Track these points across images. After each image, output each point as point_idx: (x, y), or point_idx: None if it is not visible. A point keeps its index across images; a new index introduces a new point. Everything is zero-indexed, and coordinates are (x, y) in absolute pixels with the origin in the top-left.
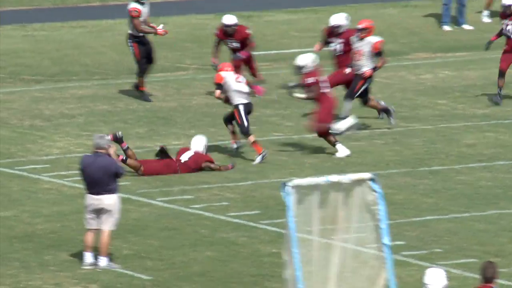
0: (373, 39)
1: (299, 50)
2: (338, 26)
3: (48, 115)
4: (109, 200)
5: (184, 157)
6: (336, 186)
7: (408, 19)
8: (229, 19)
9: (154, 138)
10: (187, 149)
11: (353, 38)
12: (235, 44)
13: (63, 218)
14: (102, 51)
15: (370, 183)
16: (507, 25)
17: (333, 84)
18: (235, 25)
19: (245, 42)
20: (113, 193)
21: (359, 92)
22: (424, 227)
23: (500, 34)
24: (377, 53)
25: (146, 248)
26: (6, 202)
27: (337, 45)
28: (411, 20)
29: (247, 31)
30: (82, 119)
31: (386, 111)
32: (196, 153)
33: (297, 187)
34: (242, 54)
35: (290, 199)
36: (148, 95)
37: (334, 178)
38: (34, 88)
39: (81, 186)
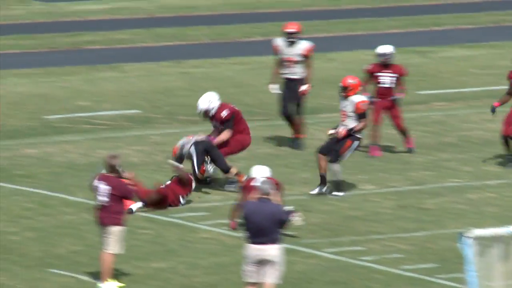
0: (356, 98)
1: (478, 88)
2: (207, 110)
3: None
4: (274, 251)
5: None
6: None
7: None
8: (385, 48)
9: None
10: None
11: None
12: (389, 79)
13: (222, 271)
14: (264, 90)
15: None
16: None
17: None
18: (391, 54)
19: (399, 81)
20: (277, 243)
21: (347, 154)
22: None
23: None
24: (360, 114)
25: None
26: (162, 252)
27: (216, 125)
28: None
29: (404, 70)
30: (244, 162)
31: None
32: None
33: (478, 239)
34: (398, 95)
35: (470, 251)
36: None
37: None
38: (191, 129)
39: (242, 235)
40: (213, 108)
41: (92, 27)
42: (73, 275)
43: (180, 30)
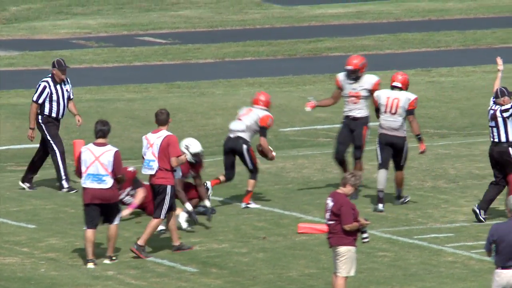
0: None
1: None
2: None
3: (454, 176)
4: None
5: None
6: None
7: None
8: None
9: None
10: None
11: None
12: None
13: None
14: None
15: None
16: None
17: None
18: None
19: None
20: None
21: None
22: None
23: None
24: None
25: None
26: (403, 277)
27: None
28: None
29: None
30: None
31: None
32: None
33: None
34: None
35: None
36: None
37: None
38: (438, 143)
39: (491, 259)
40: None
41: (334, 33)
42: None
43: (429, 36)
